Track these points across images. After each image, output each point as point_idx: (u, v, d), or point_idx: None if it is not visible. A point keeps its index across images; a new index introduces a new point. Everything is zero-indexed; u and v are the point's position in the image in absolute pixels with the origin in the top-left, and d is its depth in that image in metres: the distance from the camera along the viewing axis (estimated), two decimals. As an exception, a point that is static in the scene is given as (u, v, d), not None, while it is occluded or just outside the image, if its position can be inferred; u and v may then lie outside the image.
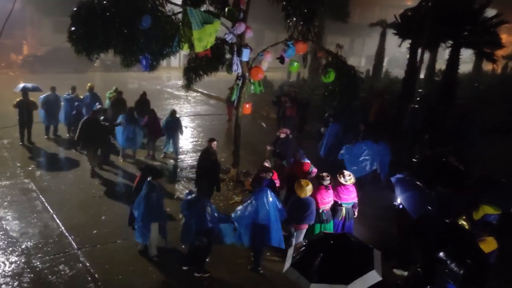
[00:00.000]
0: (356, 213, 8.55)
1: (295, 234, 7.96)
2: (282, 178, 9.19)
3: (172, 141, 13.08)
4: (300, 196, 7.68)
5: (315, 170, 8.37)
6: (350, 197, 8.33)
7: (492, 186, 7.86)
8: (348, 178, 8.31)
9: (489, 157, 12.72)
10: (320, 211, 7.98)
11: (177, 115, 13.47)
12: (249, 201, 7.59)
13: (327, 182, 8.08)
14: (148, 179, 7.70)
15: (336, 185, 8.30)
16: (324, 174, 8.21)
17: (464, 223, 7.10)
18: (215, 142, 9.89)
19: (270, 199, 7.49)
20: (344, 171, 8.62)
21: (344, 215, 8.32)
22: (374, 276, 5.04)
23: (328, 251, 5.26)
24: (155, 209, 7.60)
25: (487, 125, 14.43)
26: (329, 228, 8.18)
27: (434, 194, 7.84)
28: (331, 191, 8.16)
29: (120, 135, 12.38)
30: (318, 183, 8.11)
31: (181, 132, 13.25)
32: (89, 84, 15.22)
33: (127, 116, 12.41)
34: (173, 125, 12.87)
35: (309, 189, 7.67)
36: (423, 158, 11.56)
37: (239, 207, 7.70)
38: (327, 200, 8.06)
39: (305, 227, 7.93)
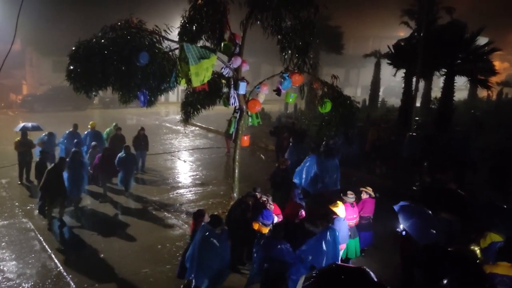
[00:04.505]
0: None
1: None
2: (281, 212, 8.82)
3: (123, 178, 12.44)
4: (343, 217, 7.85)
5: (303, 214, 8.35)
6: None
7: (496, 212, 7.79)
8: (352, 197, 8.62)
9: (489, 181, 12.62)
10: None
11: (132, 151, 12.97)
12: (314, 241, 6.99)
13: (351, 199, 8.33)
14: (203, 224, 7.26)
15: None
16: (348, 192, 8.48)
17: (476, 249, 6.99)
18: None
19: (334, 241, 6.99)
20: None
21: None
22: None
23: None
24: (219, 255, 7.05)
25: (486, 151, 14.42)
26: (355, 243, 8.38)
27: (437, 221, 7.81)
28: (356, 208, 8.42)
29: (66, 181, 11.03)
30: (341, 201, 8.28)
31: (136, 169, 12.84)
32: (74, 124, 14.54)
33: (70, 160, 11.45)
34: (127, 162, 12.32)
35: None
36: (424, 186, 11.52)
37: (303, 247, 7.05)
38: (352, 216, 8.27)
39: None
